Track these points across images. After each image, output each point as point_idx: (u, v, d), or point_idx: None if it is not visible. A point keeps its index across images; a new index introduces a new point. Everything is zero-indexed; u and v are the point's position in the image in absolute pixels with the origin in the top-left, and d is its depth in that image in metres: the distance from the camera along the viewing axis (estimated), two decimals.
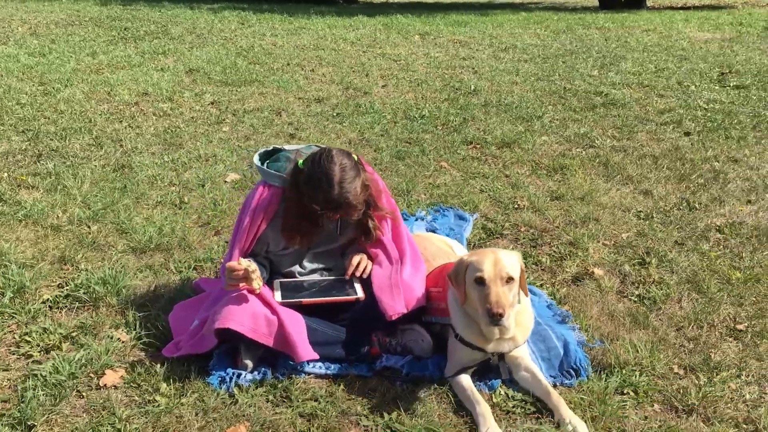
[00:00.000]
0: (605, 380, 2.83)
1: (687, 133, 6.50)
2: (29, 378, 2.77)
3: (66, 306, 3.35)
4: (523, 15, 16.53)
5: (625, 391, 2.80)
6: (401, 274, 3.04)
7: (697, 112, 7.26)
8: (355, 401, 2.75)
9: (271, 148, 3.23)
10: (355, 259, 3.10)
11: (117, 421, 2.57)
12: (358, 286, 3.04)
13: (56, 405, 2.65)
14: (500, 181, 5.24)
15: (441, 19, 14.72)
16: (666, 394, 2.79)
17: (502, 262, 2.71)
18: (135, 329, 3.15)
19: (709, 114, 7.16)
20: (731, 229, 4.39)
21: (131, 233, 4.09)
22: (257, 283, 2.85)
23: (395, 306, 2.92)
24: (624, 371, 2.90)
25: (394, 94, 7.93)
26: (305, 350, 2.85)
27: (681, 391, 2.79)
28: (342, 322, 3.05)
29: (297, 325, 2.88)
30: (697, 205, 4.77)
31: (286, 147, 3.23)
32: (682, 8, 18.93)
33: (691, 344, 3.15)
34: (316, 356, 2.87)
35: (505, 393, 2.81)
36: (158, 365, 2.89)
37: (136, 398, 2.73)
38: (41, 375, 2.78)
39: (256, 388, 2.81)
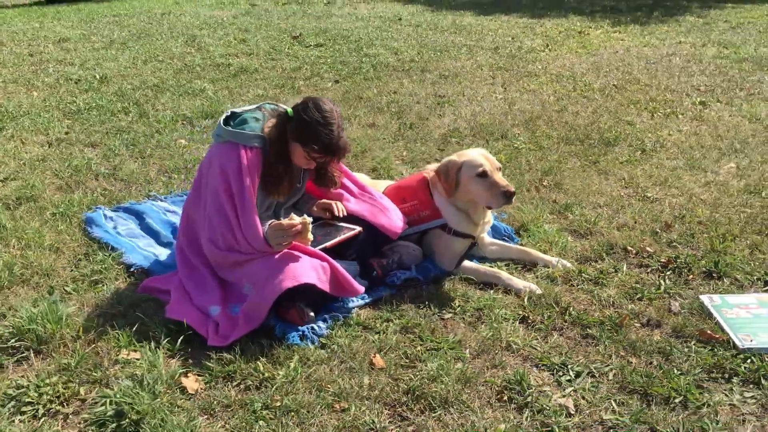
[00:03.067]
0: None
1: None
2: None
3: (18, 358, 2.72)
4: None
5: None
6: (377, 199, 3.41)
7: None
8: (419, 310, 3.10)
9: (229, 113, 3.15)
10: (331, 204, 3.33)
11: (261, 408, 2.47)
12: (347, 225, 3.30)
13: (192, 421, 2.38)
14: None
15: None
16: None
17: (490, 155, 3.39)
18: (132, 343, 2.81)
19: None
20: None
21: None
22: (311, 234, 2.92)
23: (394, 225, 3.32)
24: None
25: None
26: (358, 285, 3.06)
27: None
28: (349, 259, 3.28)
29: (341, 267, 3.05)
30: None
31: (237, 110, 3.20)
32: None
33: None
34: (363, 289, 3.10)
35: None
36: (213, 358, 2.73)
37: (248, 383, 2.59)
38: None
39: (332, 330, 2.93)
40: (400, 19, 11.29)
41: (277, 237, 2.89)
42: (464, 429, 2.37)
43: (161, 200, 4.22)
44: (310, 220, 2.92)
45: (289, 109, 3.02)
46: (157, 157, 4.98)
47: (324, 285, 2.93)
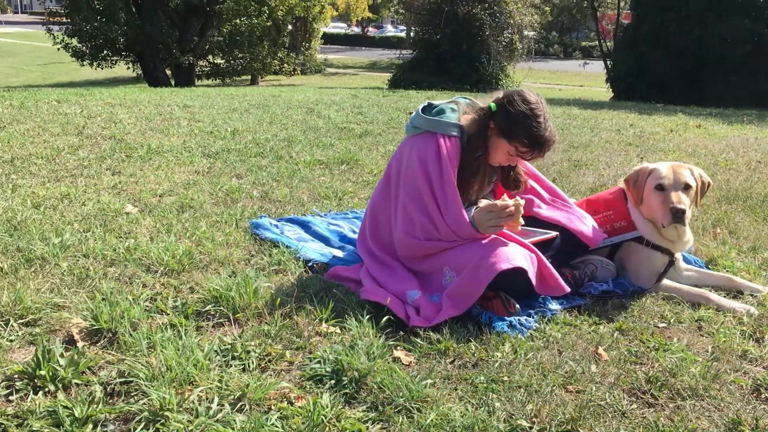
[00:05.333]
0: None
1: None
2: None
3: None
4: None
5: None
6: (572, 206, 3.25)
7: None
8: (628, 317, 2.87)
9: (426, 103, 3.10)
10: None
11: (487, 381, 2.27)
12: (542, 230, 3.13)
13: (421, 381, 2.18)
14: None
15: None
16: None
17: (681, 170, 3.18)
18: (331, 318, 2.66)
19: None
20: None
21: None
22: (521, 220, 2.77)
23: (593, 234, 3.13)
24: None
25: None
26: (564, 284, 2.85)
27: None
28: None
29: (548, 262, 2.86)
30: None
31: (433, 102, 3.14)
32: None
33: None
34: (569, 289, 2.89)
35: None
36: (421, 336, 2.57)
37: (464, 360, 2.39)
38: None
39: (541, 324, 2.73)
40: None
41: (489, 219, 2.75)
42: (729, 417, 2.08)
43: (321, 216, 4.16)
44: (522, 202, 2.78)
45: (492, 104, 2.94)
46: (305, 188, 4.98)
47: (533, 276, 2.74)
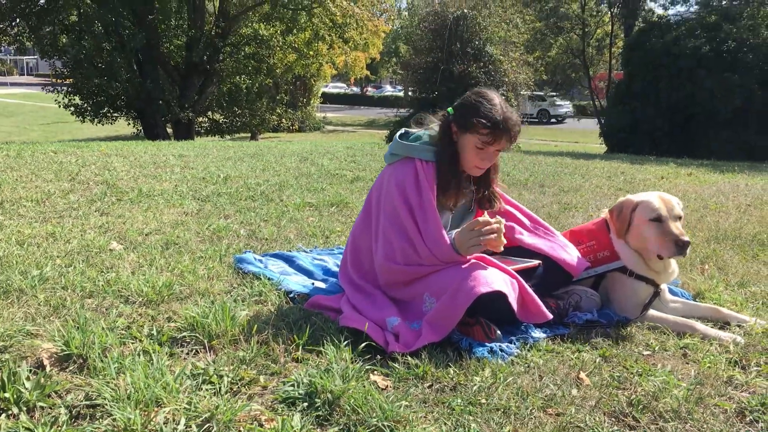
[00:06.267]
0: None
1: None
2: None
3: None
4: None
5: None
6: (555, 235, 3.22)
7: None
8: (613, 345, 2.81)
9: (403, 131, 3.12)
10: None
11: (464, 404, 2.21)
12: (524, 259, 3.10)
13: (395, 402, 2.12)
14: None
15: None
16: None
17: (672, 201, 3.18)
18: (309, 345, 2.61)
19: None
20: None
21: None
22: (503, 239, 2.75)
23: (575, 263, 3.10)
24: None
25: None
26: (546, 310, 2.81)
27: None
28: None
29: (529, 288, 2.83)
30: None
31: (411, 129, 3.16)
32: None
33: None
34: (551, 316, 2.84)
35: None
36: (399, 361, 2.51)
37: (442, 385, 2.33)
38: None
39: (522, 350, 2.67)
40: None
41: (471, 238, 2.73)
42: None
43: (306, 252, 4.13)
44: (503, 221, 2.76)
45: (449, 109, 2.99)
46: (292, 227, 4.97)
47: (513, 302, 2.70)
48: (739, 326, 3.09)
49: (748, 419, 2.17)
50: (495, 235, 2.72)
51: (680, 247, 3.02)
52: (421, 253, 2.84)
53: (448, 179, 2.96)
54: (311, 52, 27.78)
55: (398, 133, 3.09)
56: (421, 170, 2.92)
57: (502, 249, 2.77)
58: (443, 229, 2.84)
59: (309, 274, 3.63)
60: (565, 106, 45.88)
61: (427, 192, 2.87)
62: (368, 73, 56.38)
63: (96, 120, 23.75)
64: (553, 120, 45.06)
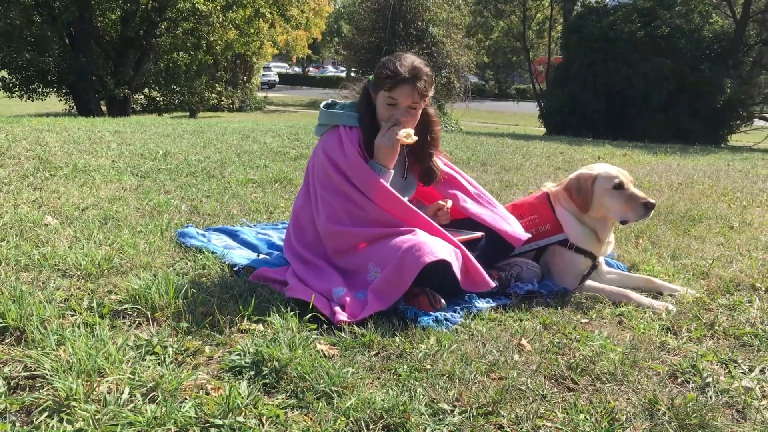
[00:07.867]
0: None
1: None
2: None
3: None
4: None
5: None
6: (497, 207, 3.28)
7: None
8: (553, 313, 2.89)
9: (330, 101, 3.18)
10: (443, 204, 3.19)
11: (409, 370, 2.25)
12: (468, 231, 3.15)
13: (342, 369, 2.13)
14: None
15: None
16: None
17: (622, 169, 3.30)
18: (254, 316, 2.59)
19: None
20: None
21: None
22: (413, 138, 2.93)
23: (517, 233, 3.16)
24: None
25: None
26: (489, 279, 2.87)
27: None
28: None
29: (473, 258, 2.88)
30: None
31: (338, 100, 3.22)
32: None
33: None
34: (494, 284, 2.90)
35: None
36: (346, 330, 2.54)
37: (388, 352, 2.37)
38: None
39: (466, 319, 2.73)
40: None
41: (383, 136, 2.93)
42: (646, 398, 2.11)
43: (250, 226, 4.10)
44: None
45: (369, 77, 3.08)
46: (235, 203, 4.91)
47: (458, 271, 2.75)
48: (671, 295, 3.22)
49: (679, 380, 2.28)
50: (404, 131, 2.91)
51: (648, 209, 3.15)
52: (365, 206, 2.88)
53: (371, 140, 3.02)
54: (252, 30, 27.30)
55: (323, 103, 3.12)
56: (345, 135, 3.02)
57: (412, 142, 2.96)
58: (376, 176, 2.91)
59: (253, 248, 3.60)
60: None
61: (352, 152, 2.96)
62: (310, 52, 55.83)
63: (25, 96, 22.78)
64: None
